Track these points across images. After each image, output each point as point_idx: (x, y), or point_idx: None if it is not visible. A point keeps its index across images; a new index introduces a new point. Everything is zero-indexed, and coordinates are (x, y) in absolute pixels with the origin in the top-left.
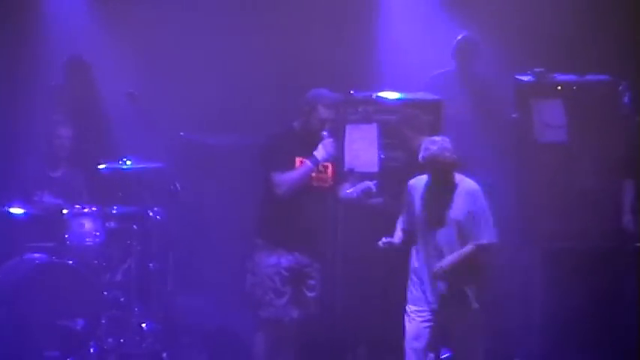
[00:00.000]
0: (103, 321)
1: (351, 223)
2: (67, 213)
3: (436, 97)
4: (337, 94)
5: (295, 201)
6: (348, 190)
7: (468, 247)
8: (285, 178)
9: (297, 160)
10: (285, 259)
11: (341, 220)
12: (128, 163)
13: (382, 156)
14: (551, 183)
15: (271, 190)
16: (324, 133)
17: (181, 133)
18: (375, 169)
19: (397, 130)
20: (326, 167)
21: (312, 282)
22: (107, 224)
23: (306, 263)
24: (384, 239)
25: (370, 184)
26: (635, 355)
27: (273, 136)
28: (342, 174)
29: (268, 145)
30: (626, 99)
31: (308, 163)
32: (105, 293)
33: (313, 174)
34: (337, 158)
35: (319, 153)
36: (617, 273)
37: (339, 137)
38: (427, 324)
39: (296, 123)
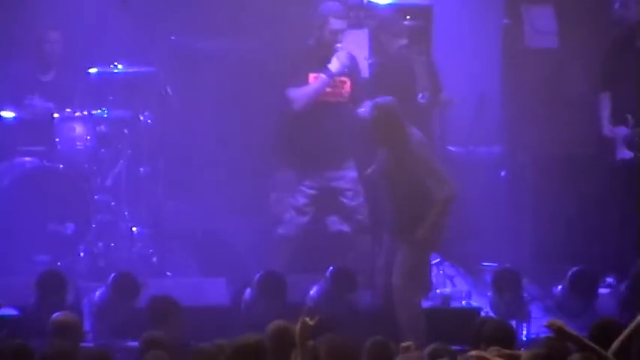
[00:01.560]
0: (93, 225)
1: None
2: (58, 117)
3: (427, 2)
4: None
5: (313, 117)
6: (362, 109)
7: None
8: (300, 93)
9: (312, 76)
10: (309, 178)
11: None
12: (119, 67)
13: (370, 61)
14: (542, 89)
15: (288, 107)
16: (339, 45)
17: (172, 37)
18: (366, 74)
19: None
20: (343, 82)
21: (349, 192)
22: (98, 128)
23: (333, 176)
24: None
25: None
26: (621, 259)
27: (288, 54)
28: (360, 89)
29: (284, 62)
30: (616, 5)
31: (322, 76)
32: (95, 197)
33: (329, 89)
34: (353, 71)
35: (333, 65)
36: (607, 179)
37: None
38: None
39: (310, 39)
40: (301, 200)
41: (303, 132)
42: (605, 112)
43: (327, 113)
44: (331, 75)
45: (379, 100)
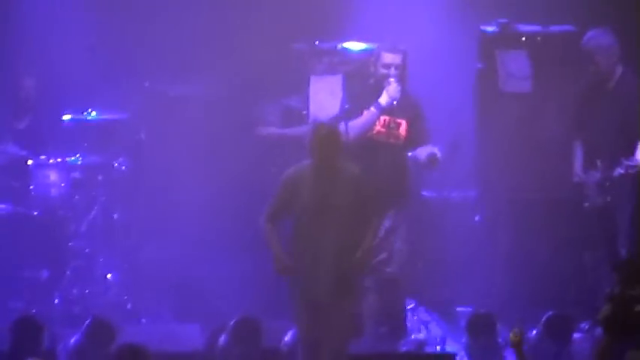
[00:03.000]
0: (68, 272)
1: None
2: (32, 164)
3: (402, 45)
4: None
5: (365, 155)
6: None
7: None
8: (351, 126)
9: (365, 112)
10: None
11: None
12: (93, 113)
13: (347, 106)
14: (516, 134)
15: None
16: (391, 79)
17: (146, 84)
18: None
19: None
20: (399, 124)
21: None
22: (72, 175)
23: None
24: None
25: (435, 150)
26: (595, 303)
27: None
28: (417, 132)
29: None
30: (590, 47)
31: (373, 110)
32: (70, 244)
33: (383, 129)
34: (411, 113)
35: (383, 98)
36: (580, 225)
37: (404, 83)
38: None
39: (369, 79)
40: None
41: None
42: (578, 157)
43: (379, 153)
44: (380, 108)
45: (325, 121)
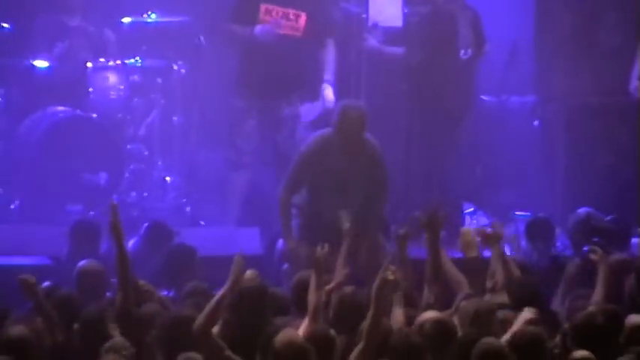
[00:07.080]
0: (127, 175)
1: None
2: (91, 67)
3: None
4: None
5: (266, 49)
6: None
7: None
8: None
9: (263, 7)
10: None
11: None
12: (153, 16)
13: (405, 10)
14: (575, 37)
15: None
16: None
17: None
18: (399, 23)
19: None
20: (297, 15)
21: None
22: (131, 78)
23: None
24: None
25: None
26: None
27: None
28: (316, 26)
29: None
30: None
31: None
32: (128, 147)
33: (283, 21)
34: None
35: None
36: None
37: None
38: None
39: None
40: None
41: (255, 62)
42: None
43: (281, 45)
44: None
45: (358, 102)
